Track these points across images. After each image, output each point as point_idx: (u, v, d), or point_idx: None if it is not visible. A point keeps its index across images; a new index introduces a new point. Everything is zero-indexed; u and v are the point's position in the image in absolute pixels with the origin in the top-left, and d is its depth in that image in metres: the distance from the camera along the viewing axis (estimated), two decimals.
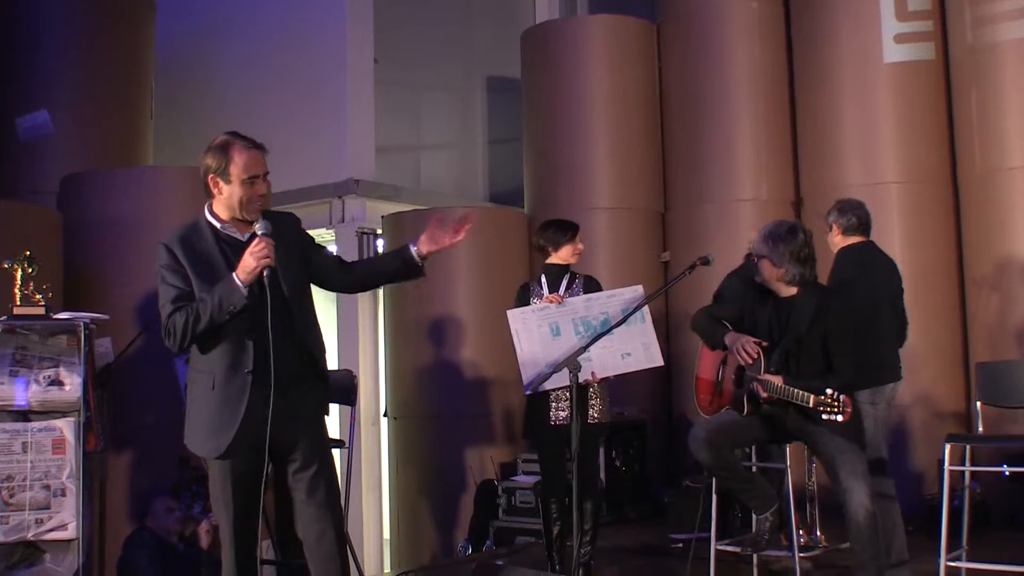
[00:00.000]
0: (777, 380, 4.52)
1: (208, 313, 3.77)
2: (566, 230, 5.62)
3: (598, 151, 9.01)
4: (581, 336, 5.24)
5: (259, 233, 3.82)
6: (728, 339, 4.77)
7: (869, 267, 5.51)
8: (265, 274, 3.75)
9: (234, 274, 3.77)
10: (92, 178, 7.39)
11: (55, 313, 5.29)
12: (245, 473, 3.85)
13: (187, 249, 3.87)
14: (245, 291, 3.74)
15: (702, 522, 5.14)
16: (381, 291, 9.58)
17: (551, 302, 5.35)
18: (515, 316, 5.37)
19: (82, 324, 5.23)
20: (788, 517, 4.80)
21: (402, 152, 11.57)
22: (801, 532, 5.66)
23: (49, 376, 5.17)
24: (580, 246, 5.61)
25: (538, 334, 5.31)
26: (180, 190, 7.11)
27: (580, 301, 5.38)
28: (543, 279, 5.59)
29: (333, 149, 10.36)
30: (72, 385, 5.18)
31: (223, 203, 3.92)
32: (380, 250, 9.79)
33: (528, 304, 5.48)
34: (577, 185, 8.99)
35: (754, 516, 4.95)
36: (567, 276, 5.57)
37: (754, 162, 8.68)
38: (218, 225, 3.93)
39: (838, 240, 5.63)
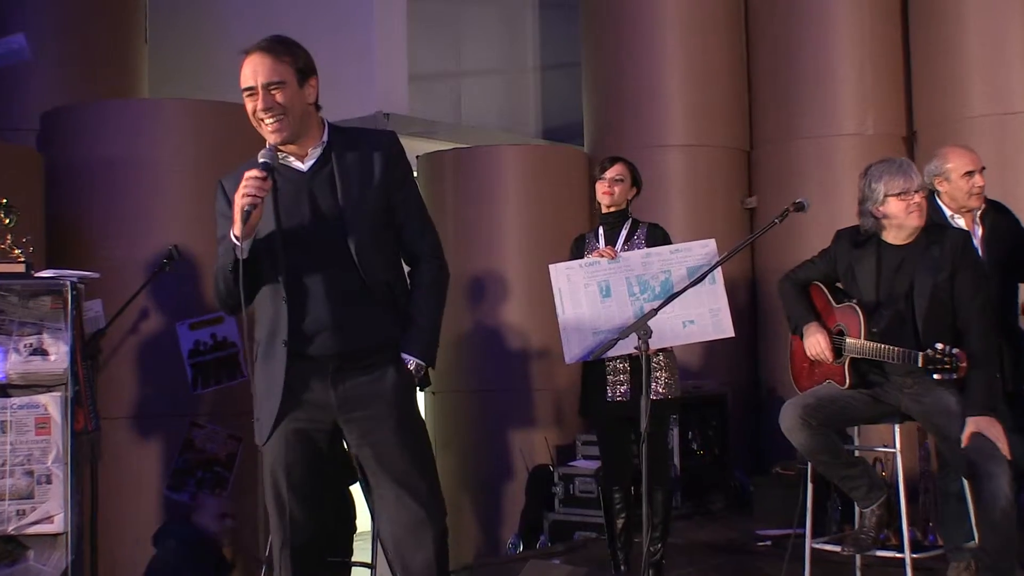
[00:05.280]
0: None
1: (217, 274, 3.63)
2: (598, 165, 5.57)
3: (671, 78, 8.91)
4: (636, 299, 5.16)
5: (259, 161, 3.51)
6: (807, 331, 4.83)
7: None
8: (245, 211, 3.40)
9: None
10: (77, 113, 7.39)
11: (37, 271, 5.31)
12: (295, 462, 3.62)
13: (238, 187, 3.52)
14: (241, 244, 3.42)
15: (795, 516, 5.10)
16: None
17: (602, 256, 5.28)
18: (559, 272, 5.29)
19: (68, 284, 5.24)
20: (898, 511, 4.74)
21: (439, 81, 11.52)
22: (914, 529, 5.59)
23: (31, 344, 5.20)
24: (609, 187, 5.44)
25: (584, 294, 5.21)
26: (179, 126, 7.11)
27: (638, 256, 5.27)
28: (600, 230, 5.53)
29: (359, 78, 10.32)
30: (58, 355, 5.21)
31: None
32: None
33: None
34: (646, 119, 8.91)
35: (857, 509, 4.92)
36: (627, 224, 5.48)
37: (858, 90, 8.58)
38: (279, 155, 3.64)
39: None
